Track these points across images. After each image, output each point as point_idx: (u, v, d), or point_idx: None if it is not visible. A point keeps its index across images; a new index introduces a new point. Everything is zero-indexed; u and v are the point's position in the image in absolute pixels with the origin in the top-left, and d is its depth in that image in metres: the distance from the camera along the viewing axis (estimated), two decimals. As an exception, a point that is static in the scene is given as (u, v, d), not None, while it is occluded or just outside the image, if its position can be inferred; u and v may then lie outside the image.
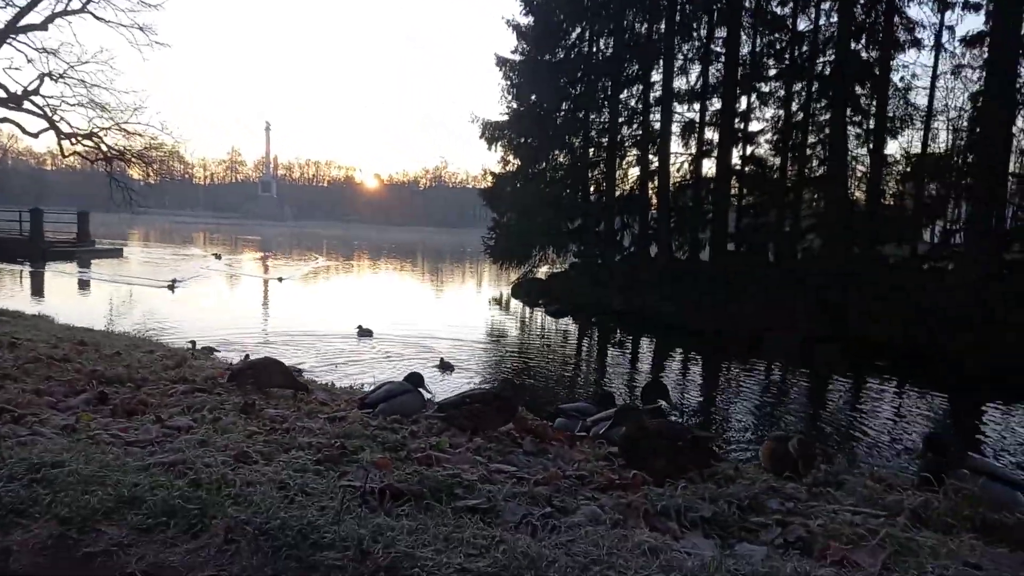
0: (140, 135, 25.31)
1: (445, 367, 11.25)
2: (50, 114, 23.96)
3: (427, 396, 4.52)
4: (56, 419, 3.19)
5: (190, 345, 8.99)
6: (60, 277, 22.04)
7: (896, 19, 18.90)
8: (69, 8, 23.62)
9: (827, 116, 19.82)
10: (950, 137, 20.22)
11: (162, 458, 2.44)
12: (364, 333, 13.26)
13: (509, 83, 25.11)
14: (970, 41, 18.65)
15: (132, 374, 4.87)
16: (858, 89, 19.52)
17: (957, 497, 2.48)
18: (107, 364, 5.33)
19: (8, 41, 22.97)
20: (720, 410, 9.83)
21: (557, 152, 25.58)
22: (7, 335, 6.83)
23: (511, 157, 26.03)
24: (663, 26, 22.86)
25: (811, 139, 20.82)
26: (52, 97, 24.05)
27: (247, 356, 11.18)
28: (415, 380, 4.54)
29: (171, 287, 19.06)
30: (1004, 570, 1.90)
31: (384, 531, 1.90)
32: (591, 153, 25.41)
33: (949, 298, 14.02)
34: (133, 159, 25.89)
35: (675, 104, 23.13)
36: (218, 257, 33.98)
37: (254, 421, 3.50)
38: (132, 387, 4.41)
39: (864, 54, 19.59)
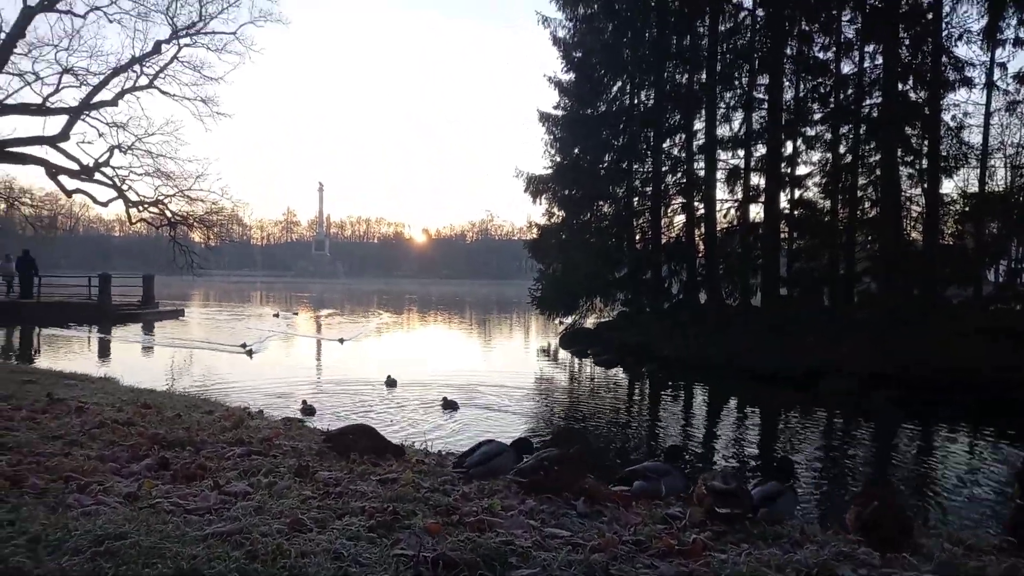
0: (202, 200, 26.59)
1: (449, 405, 11.76)
2: (119, 184, 25.35)
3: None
4: (119, 486, 3.28)
5: (246, 406, 9.19)
6: (126, 341, 22.87)
7: (944, 59, 18.63)
8: (138, 85, 25.25)
9: (877, 157, 19.48)
10: (1009, 174, 19.59)
11: (220, 527, 2.48)
12: (390, 383, 13.77)
13: (552, 137, 25.60)
14: (1023, 77, 18.22)
15: (192, 437, 4.99)
16: (908, 130, 19.18)
17: (1046, 565, 2.31)
18: (168, 427, 5.48)
19: (82, 117, 24.59)
20: (773, 460, 9.45)
21: (601, 203, 25.76)
22: (75, 399, 7.12)
23: (555, 209, 26.31)
24: (703, 76, 23.08)
25: (861, 180, 20.45)
26: (120, 168, 25.48)
27: (305, 403, 11.60)
28: (522, 446, 4.47)
29: (249, 352, 18.90)
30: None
31: (439, 605, 1.88)
32: (636, 202, 25.49)
33: (1017, 340, 13.34)
34: (195, 224, 27.12)
35: (719, 151, 23.14)
36: (276, 315, 35.08)
37: (308, 485, 3.53)
38: (192, 451, 4.51)
39: (912, 94, 19.34)
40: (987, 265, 19.36)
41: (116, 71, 24.63)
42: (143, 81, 25.31)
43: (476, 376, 15.65)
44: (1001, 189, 19.43)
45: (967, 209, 18.85)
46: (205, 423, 6.08)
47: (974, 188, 19.41)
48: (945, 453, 9.99)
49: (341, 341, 22.54)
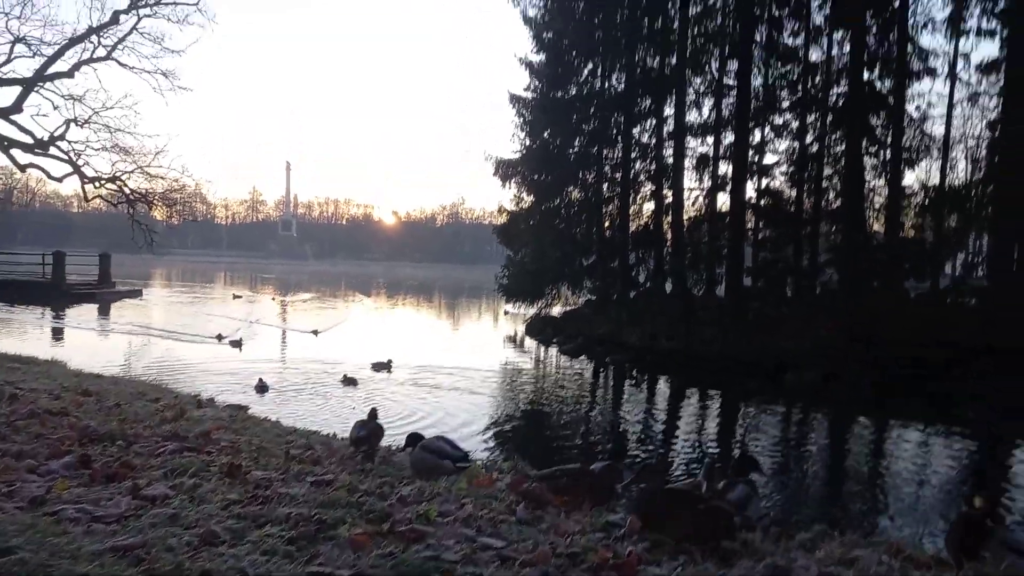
0: (162, 178, 25.76)
1: (348, 382, 12.35)
2: (74, 159, 24.43)
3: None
4: (29, 488, 3.07)
5: (198, 394, 8.95)
6: (79, 322, 22.13)
7: (909, 48, 18.77)
8: (95, 56, 24.28)
9: (842, 147, 19.61)
10: (969, 167, 19.91)
11: (122, 540, 2.30)
12: (381, 367, 14.40)
13: (522, 120, 25.30)
14: (986, 68, 18.45)
15: (125, 430, 4.76)
16: (873, 120, 19.32)
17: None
18: (103, 419, 5.23)
19: (36, 89, 23.63)
20: (736, 455, 9.50)
21: (571, 188, 25.60)
22: (12, 384, 6.80)
23: (525, 194, 26.12)
24: (674, 60, 22.97)
25: (827, 171, 20.60)
26: (77, 142, 24.50)
27: (260, 380, 11.58)
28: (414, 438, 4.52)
29: (238, 344, 17.49)
30: None
31: (340, 637, 1.74)
32: (605, 189, 25.36)
33: (973, 334, 13.59)
34: (156, 201, 26.31)
35: (688, 138, 23.12)
36: (239, 297, 34.52)
37: (237, 486, 3.35)
38: (121, 445, 4.29)
39: (878, 84, 19.47)
40: (946, 258, 19.68)
41: (72, 41, 23.64)
42: (100, 52, 24.33)
43: (444, 364, 15.63)
44: (961, 182, 19.74)
45: (927, 202, 19.11)
46: (144, 414, 5.83)
47: (935, 180, 19.69)
48: (899, 448, 10.14)
49: (315, 333, 21.59)
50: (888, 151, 19.13)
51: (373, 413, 5.02)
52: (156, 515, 2.68)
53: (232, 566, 2.14)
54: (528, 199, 26.03)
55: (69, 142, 24.42)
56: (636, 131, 24.59)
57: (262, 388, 11.67)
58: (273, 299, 36.81)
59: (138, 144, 25.07)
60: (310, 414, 10.02)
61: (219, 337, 18.59)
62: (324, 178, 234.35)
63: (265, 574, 2.10)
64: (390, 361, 14.52)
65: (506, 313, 29.85)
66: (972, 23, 18.62)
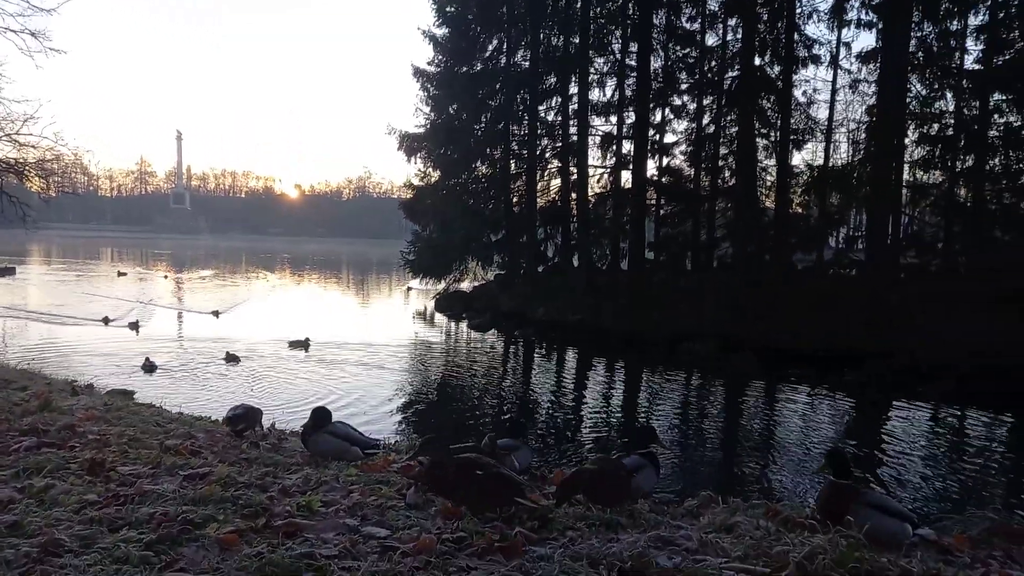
0: (34, 147, 23.60)
1: (231, 359, 12.13)
2: (-73, 125, 21.98)
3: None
4: None
5: (73, 380, 8.28)
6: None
7: (796, 36, 19.67)
8: (-52, 12, 21.80)
9: (736, 128, 20.43)
10: (850, 148, 21.21)
11: (-56, 557, 2.05)
12: (298, 345, 14.11)
13: (427, 94, 24.79)
14: (865, 57, 19.62)
15: (-24, 426, 4.32)
16: (764, 103, 20.20)
17: (844, 544, 2.37)
18: (-48, 414, 4.72)
19: None
20: (636, 427, 9.80)
21: (478, 164, 25.40)
22: None
23: (431, 169, 25.69)
24: (578, 39, 23.08)
25: (723, 150, 21.47)
26: (-69, 108, 22.06)
27: (147, 359, 11.04)
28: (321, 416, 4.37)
29: (135, 327, 16.30)
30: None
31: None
32: (512, 165, 25.32)
33: (852, 303, 14.59)
34: (28, 172, 24.11)
35: (593, 117, 23.40)
36: (123, 274, 32.40)
37: (98, 484, 3.09)
38: (-30, 444, 3.88)
39: (769, 69, 20.33)
40: (828, 234, 20.97)
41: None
42: (-45, 8, 21.86)
43: (353, 341, 15.39)
44: (843, 162, 21.02)
45: (813, 180, 20.25)
46: (4, 405, 5.31)
47: (820, 160, 20.89)
48: (784, 413, 10.73)
49: (216, 314, 19.96)
50: (778, 133, 20.09)
51: (243, 406, 4.84)
52: (-6, 523, 2.41)
53: (75, 579, 1.94)
54: (435, 174, 25.62)
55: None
56: (542, 109, 24.64)
57: (150, 368, 11.16)
58: (166, 277, 34.75)
59: (3, 110, 22.84)
60: (203, 397, 9.55)
61: (105, 320, 17.28)
62: (221, 149, 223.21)
63: (112, 585, 1.92)
64: (308, 339, 14.18)
65: (409, 289, 29.69)
66: (853, 15, 19.77)
